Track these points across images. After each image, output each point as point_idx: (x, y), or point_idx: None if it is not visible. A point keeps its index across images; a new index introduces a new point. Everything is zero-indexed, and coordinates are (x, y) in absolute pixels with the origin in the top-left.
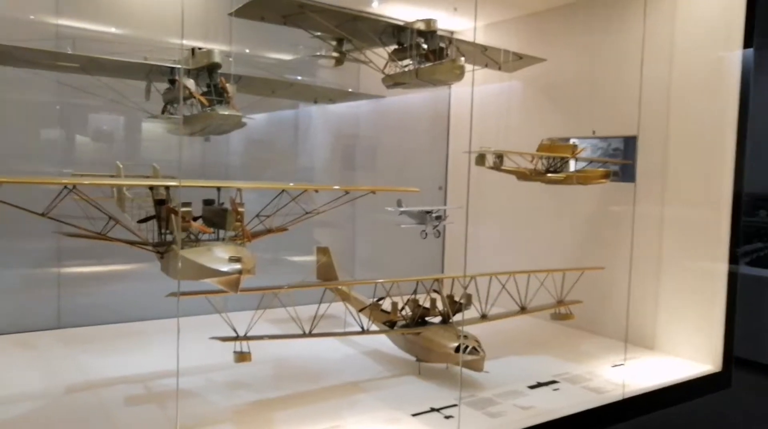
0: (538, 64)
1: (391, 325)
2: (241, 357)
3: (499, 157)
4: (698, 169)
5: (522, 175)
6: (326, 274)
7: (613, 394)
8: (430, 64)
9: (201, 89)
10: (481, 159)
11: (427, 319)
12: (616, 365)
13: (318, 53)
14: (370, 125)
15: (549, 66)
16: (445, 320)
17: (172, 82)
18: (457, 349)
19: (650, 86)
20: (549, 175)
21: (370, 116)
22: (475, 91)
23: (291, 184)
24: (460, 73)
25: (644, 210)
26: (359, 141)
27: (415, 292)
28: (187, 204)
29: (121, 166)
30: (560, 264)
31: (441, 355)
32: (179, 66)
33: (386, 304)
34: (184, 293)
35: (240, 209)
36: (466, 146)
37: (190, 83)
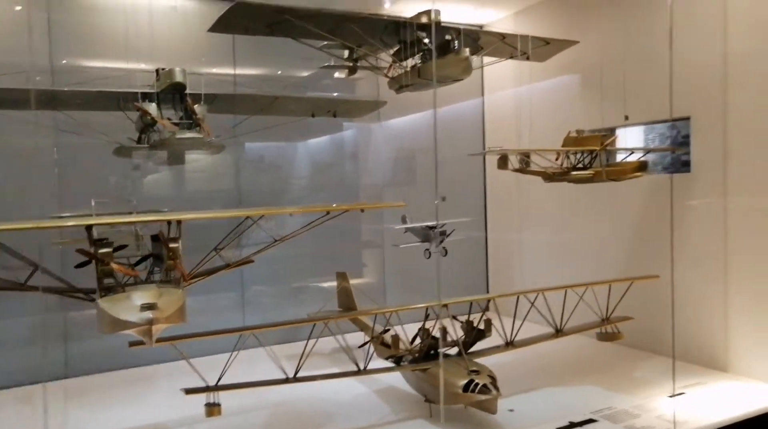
0: (572, 49)
1: (399, 359)
2: (216, 410)
3: (525, 158)
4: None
5: (546, 176)
6: (345, 301)
7: None
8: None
9: (171, 112)
10: (503, 162)
11: (439, 350)
12: (674, 395)
13: (327, 64)
14: (410, 139)
15: (584, 50)
16: (461, 352)
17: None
18: (466, 388)
19: (702, 61)
20: (574, 172)
21: (410, 130)
22: (509, 91)
23: (265, 209)
24: (465, 67)
25: (703, 204)
26: (399, 154)
27: (425, 320)
28: (105, 243)
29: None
30: (613, 273)
31: (449, 394)
32: (138, 91)
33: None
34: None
35: (172, 245)
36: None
37: (152, 107)
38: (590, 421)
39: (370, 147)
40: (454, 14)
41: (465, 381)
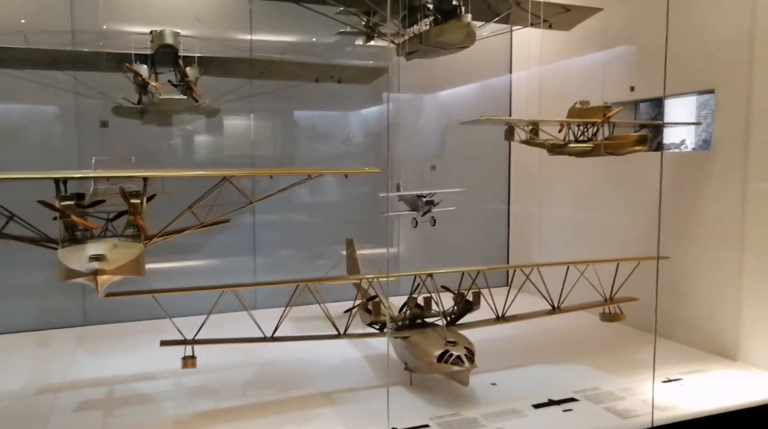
0: (598, 18)
1: (383, 326)
2: (191, 362)
3: (533, 129)
4: None
5: (549, 148)
6: (351, 267)
7: (639, 421)
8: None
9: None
10: (509, 133)
11: (428, 320)
12: (668, 380)
13: (343, 30)
14: (458, 110)
15: (612, 19)
16: (451, 322)
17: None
18: (440, 358)
19: (727, 33)
20: (571, 145)
21: (458, 102)
22: (536, 69)
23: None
24: (469, 34)
25: (721, 185)
26: (440, 124)
27: (413, 289)
28: (69, 196)
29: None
30: (631, 252)
31: (424, 364)
32: (132, 52)
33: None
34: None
35: (133, 201)
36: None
37: (143, 69)
38: (571, 399)
39: (418, 117)
40: None
41: (440, 351)
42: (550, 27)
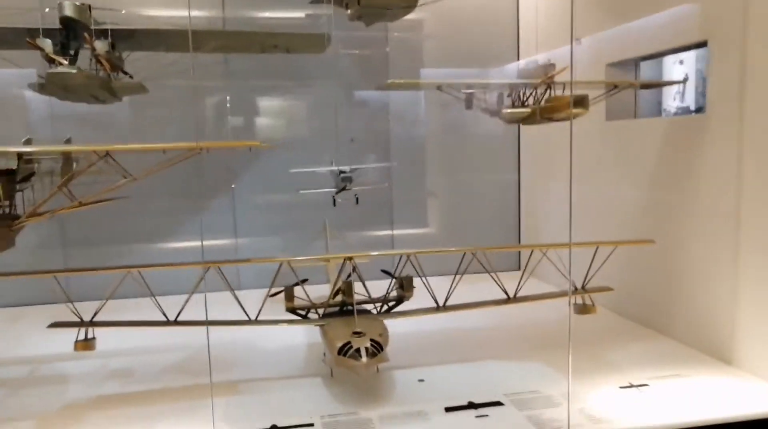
0: None
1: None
2: (83, 345)
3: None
4: None
5: (489, 113)
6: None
7: None
8: None
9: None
10: (469, 102)
11: (363, 307)
12: (629, 386)
13: None
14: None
15: None
16: (388, 310)
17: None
18: (341, 350)
19: None
20: (506, 110)
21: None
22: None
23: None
24: None
25: (716, 156)
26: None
27: (340, 273)
28: None
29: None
30: (630, 233)
31: (331, 356)
32: (41, 27)
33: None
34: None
35: None
36: None
37: (47, 43)
38: (496, 403)
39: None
40: None
41: (342, 343)
42: None
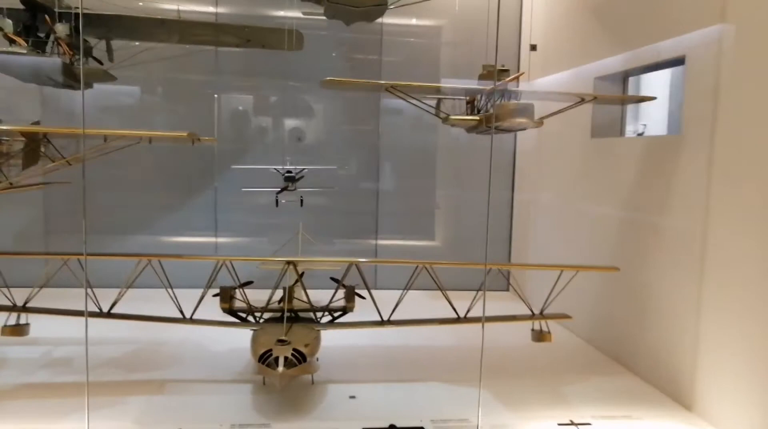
0: None
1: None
2: (11, 330)
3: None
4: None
5: (443, 120)
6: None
7: None
8: None
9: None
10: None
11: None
12: (569, 423)
13: None
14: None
15: None
16: (315, 319)
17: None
18: (261, 357)
19: None
20: (453, 117)
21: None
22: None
23: None
24: None
25: (687, 179)
26: None
27: (281, 277)
28: None
29: None
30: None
31: (254, 362)
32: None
33: None
34: None
35: None
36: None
37: (6, 23)
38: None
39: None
40: None
41: (264, 350)
42: None
